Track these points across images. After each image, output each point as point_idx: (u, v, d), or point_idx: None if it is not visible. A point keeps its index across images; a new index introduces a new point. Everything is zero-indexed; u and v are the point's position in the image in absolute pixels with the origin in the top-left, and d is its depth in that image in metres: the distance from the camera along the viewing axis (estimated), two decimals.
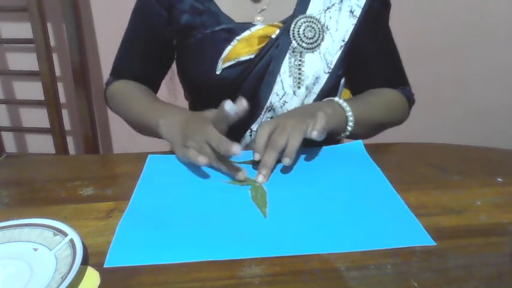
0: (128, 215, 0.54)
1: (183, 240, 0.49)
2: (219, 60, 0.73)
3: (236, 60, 0.73)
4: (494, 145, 0.75)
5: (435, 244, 0.48)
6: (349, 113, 0.69)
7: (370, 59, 0.80)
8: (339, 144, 0.73)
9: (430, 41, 1.46)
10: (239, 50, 0.73)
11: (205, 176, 0.62)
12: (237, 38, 0.73)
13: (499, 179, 0.63)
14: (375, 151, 0.69)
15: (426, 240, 0.49)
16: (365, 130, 0.75)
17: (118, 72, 0.85)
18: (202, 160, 0.59)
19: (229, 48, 0.73)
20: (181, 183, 0.61)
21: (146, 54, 0.82)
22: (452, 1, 1.41)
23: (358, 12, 0.74)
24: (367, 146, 0.71)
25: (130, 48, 0.83)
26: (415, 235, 0.50)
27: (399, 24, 1.36)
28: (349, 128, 0.70)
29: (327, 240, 0.49)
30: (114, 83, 0.83)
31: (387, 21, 0.81)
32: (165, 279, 0.44)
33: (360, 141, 0.72)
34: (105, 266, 0.45)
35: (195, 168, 0.64)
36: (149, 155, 0.68)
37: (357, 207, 0.55)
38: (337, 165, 0.65)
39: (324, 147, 0.70)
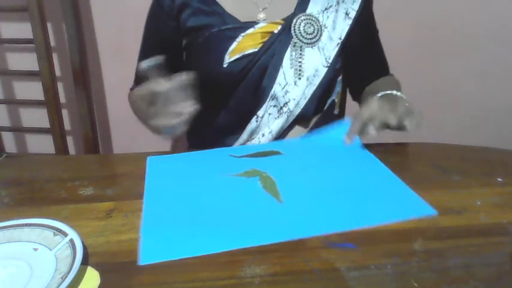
0: (147, 215, 0.54)
1: (210, 232, 0.50)
2: (226, 54, 0.78)
3: (241, 54, 0.78)
4: (494, 145, 0.75)
5: (437, 213, 0.52)
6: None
7: (360, 52, 0.86)
8: (327, 127, 0.76)
9: (431, 41, 1.46)
10: (244, 44, 0.78)
11: (211, 171, 0.64)
12: (242, 34, 0.78)
13: (499, 179, 0.63)
14: (375, 151, 0.69)
15: (428, 210, 0.53)
16: None
17: (138, 79, 0.90)
18: (174, 121, 0.63)
19: (234, 44, 0.78)
20: (190, 180, 0.62)
21: (164, 60, 0.86)
22: (452, 1, 1.41)
23: (352, 14, 0.81)
24: (367, 146, 0.71)
25: (146, 56, 0.87)
26: (418, 207, 0.54)
27: (400, 24, 1.36)
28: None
29: (343, 218, 0.52)
30: (134, 90, 0.88)
31: (373, 15, 0.88)
32: (165, 279, 0.44)
33: (347, 120, 0.74)
34: (140, 264, 0.45)
35: (199, 164, 0.66)
36: (148, 157, 0.69)
37: (359, 188, 0.59)
38: (332, 150, 0.69)
39: (314, 133, 0.77)
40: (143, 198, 0.58)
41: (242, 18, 0.79)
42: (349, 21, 0.81)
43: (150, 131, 0.82)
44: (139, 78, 0.90)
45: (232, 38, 0.78)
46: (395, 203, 0.56)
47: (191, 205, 0.56)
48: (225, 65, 0.78)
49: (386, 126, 0.68)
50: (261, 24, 0.79)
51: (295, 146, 0.73)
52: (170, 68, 0.89)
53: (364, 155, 0.69)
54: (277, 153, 0.70)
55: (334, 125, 0.75)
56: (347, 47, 0.82)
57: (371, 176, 0.63)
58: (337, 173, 0.64)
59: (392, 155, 0.74)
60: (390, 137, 0.78)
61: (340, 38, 0.81)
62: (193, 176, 0.63)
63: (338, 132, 0.72)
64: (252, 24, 0.78)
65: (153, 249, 0.48)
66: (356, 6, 0.81)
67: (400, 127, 0.68)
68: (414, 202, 0.56)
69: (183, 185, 0.61)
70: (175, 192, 0.59)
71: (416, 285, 0.42)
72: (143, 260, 0.46)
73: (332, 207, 0.55)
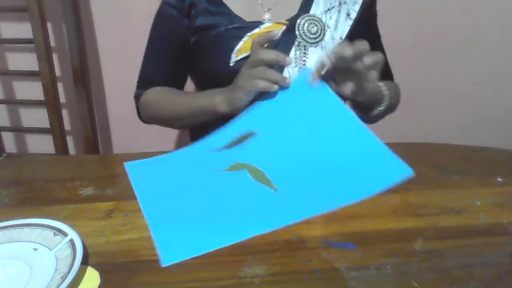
0: (151, 218, 0.54)
1: (221, 226, 0.51)
2: (233, 53, 0.80)
3: (247, 53, 0.79)
4: (494, 145, 0.75)
5: (413, 173, 0.51)
6: (386, 92, 0.75)
7: None
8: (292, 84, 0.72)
9: (431, 41, 1.46)
10: (250, 44, 0.78)
11: (196, 170, 0.64)
12: (248, 34, 0.80)
13: (499, 179, 0.63)
14: None
15: (404, 170, 0.53)
16: (385, 112, 0.80)
17: (146, 82, 0.91)
18: (275, 87, 0.67)
19: (241, 43, 0.79)
20: (179, 181, 0.62)
21: (172, 60, 0.89)
22: (452, 1, 1.41)
23: (353, 15, 0.83)
24: None
25: (157, 57, 0.90)
26: (395, 169, 0.55)
27: (400, 24, 1.36)
28: (381, 108, 0.76)
29: (335, 196, 0.55)
30: (146, 92, 0.89)
31: (376, 20, 0.90)
32: (165, 279, 0.44)
33: (309, 69, 0.70)
34: (163, 265, 0.45)
35: (181, 164, 0.66)
36: (125, 163, 0.68)
37: (340, 157, 0.60)
38: (303, 111, 0.67)
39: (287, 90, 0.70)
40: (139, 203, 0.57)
41: (248, 18, 0.81)
42: (350, 22, 0.82)
43: (186, 122, 0.83)
44: (145, 82, 0.91)
45: (239, 38, 0.79)
46: (376, 170, 0.57)
47: (191, 204, 0.56)
48: (231, 64, 0.80)
49: (343, 59, 0.63)
50: (266, 25, 0.80)
51: (268, 117, 0.69)
52: (176, 69, 0.90)
53: (334, 109, 0.65)
54: (253, 134, 0.69)
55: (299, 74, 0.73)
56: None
57: (347, 138, 0.62)
58: (316, 142, 0.63)
59: None
60: (390, 137, 0.78)
61: (341, 38, 0.82)
62: (181, 177, 0.63)
63: (303, 77, 0.69)
64: (257, 24, 0.80)
65: (171, 250, 0.48)
66: (357, 7, 0.83)
67: (357, 63, 0.64)
68: (391, 164, 0.56)
69: (174, 187, 0.60)
70: (169, 193, 0.59)
71: (416, 285, 0.42)
72: (165, 261, 0.46)
73: (322, 184, 0.57)
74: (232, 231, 0.50)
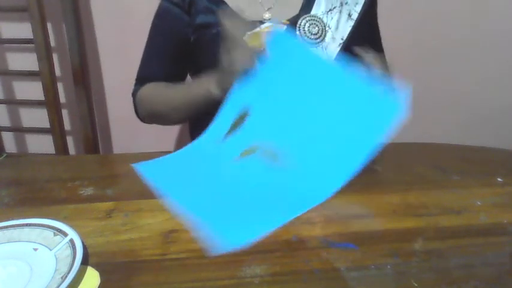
0: (192, 210, 0.54)
1: (260, 211, 0.53)
2: None
3: None
4: (494, 145, 0.75)
5: (408, 114, 0.53)
6: None
7: None
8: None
9: (431, 41, 1.46)
10: (250, 42, 0.78)
11: (210, 163, 0.65)
12: (248, 33, 0.79)
13: (499, 179, 0.63)
14: None
15: (398, 108, 0.55)
16: None
17: (145, 79, 0.89)
18: (255, 62, 0.67)
19: None
20: (200, 175, 0.63)
21: (172, 57, 0.88)
22: (452, 1, 1.41)
23: (355, 16, 0.83)
24: None
25: (156, 54, 0.89)
26: (391, 110, 0.56)
27: (400, 24, 1.36)
28: None
29: (349, 163, 0.56)
30: (142, 88, 0.88)
31: (377, 23, 0.90)
32: (165, 279, 0.44)
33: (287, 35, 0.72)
34: (219, 253, 0.46)
35: (193, 160, 0.66)
36: (134, 165, 0.66)
37: (341, 117, 0.60)
38: (290, 78, 0.67)
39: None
40: (165, 199, 0.56)
41: (248, 18, 0.80)
42: (352, 23, 0.83)
43: (183, 114, 0.82)
44: (144, 79, 0.90)
45: None
46: (376, 116, 0.58)
47: (222, 195, 0.57)
48: None
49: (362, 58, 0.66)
50: (266, 24, 0.80)
51: (255, 89, 0.68)
52: (176, 67, 0.90)
53: (313, 63, 0.65)
54: (248, 112, 0.68)
55: None
56: (349, 50, 0.83)
57: (337, 89, 0.62)
58: (308, 105, 0.64)
59: (393, 155, 0.74)
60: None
61: (342, 39, 0.82)
62: (200, 172, 0.63)
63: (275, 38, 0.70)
64: (258, 23, 0.80)
65: (230, 236, 0.48)
66: (358, 8, 0.83)
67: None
68: (386, 102, 0.57)
69: (197, 182, 0.61)
70: (196, 188, 0.59)
71: (416, 285, 0.42)
72: (226, 247, 0.47)
73: (334, 150, 0.59)
74: (275, 214, 0.52)
